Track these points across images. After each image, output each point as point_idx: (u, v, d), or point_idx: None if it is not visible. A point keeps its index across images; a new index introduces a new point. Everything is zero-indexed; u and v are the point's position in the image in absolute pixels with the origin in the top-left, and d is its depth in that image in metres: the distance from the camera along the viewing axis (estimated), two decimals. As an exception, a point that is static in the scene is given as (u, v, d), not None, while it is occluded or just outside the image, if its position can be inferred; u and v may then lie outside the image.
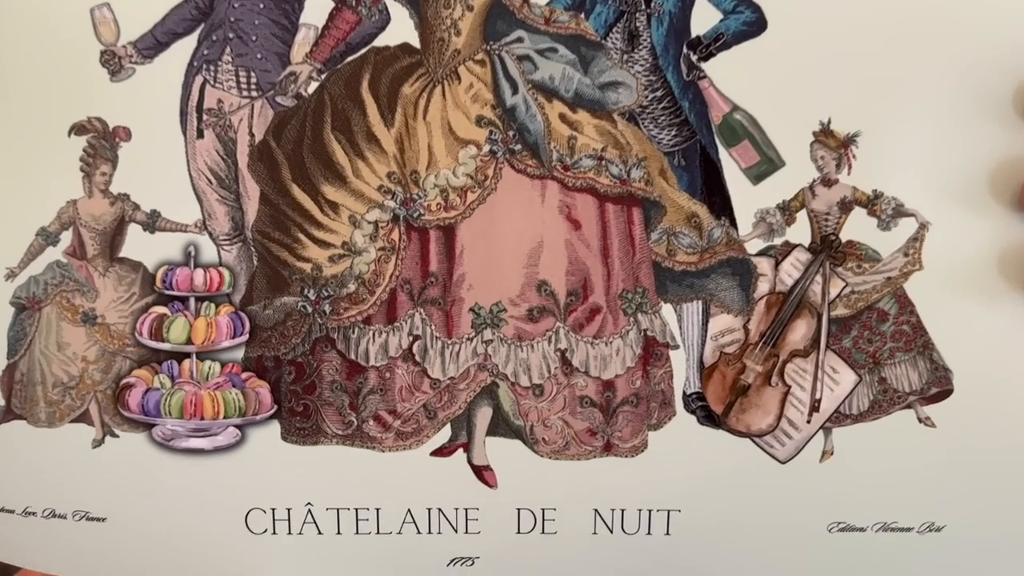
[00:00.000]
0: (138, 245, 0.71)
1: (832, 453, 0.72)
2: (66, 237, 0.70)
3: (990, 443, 0.72)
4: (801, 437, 0.71)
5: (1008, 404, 0.71)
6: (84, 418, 0.72)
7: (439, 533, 0.73)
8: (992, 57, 0.67)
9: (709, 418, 0.72)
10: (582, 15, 0.70)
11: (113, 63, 0.69)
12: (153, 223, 0.70)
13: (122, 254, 0.71)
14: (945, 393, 0.71)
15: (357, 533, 0.73)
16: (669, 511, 0.73)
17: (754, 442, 0.72)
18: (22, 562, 0.75)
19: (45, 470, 0.72)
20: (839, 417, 0.71)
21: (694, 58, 0.70)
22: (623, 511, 0.72)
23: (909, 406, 0.71)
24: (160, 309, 0.71)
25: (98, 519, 0.73)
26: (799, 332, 0.71)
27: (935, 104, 0.68)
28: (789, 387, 0.71)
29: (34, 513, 0.73)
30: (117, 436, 0.72)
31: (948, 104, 0.68)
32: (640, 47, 0.71)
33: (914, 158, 0.69)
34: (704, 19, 0.70)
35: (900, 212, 0.69)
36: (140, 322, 0.71)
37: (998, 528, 0.73)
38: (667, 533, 0.73)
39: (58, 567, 0.74)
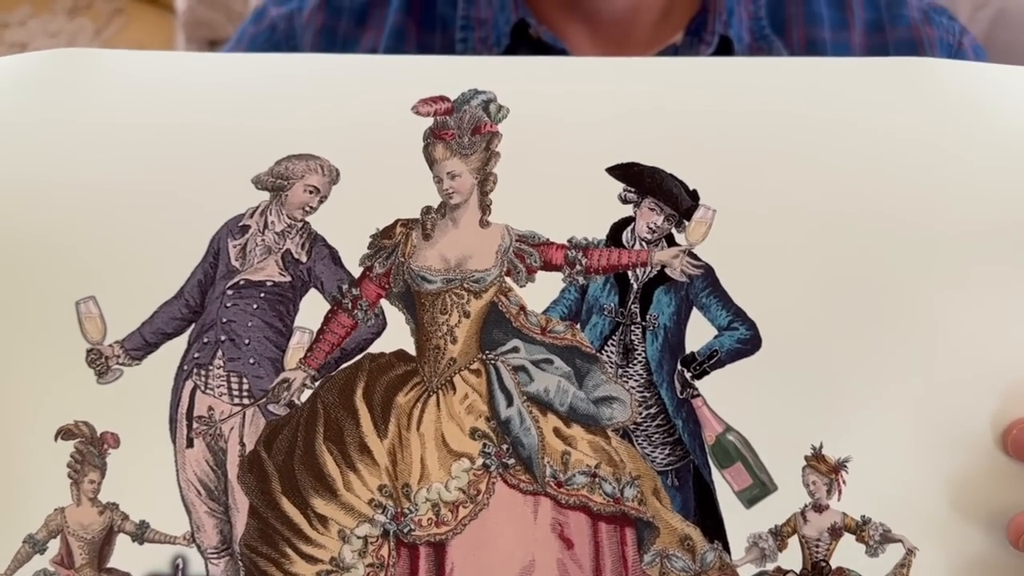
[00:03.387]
0: (126, 555, 0.70)
1: None
2: (54, 545, 0.70)
3: None
4: None
5: None
6: None
7: None
8: (969, 386, 0.69)
9: None
10: (578, 326, 0.71)
11: (100, 364, 0.69)
12: (142, 535, 0.69)
13: (110, 564, 0.70)
14: None
15: None
16: None
17: None
18: None
19: None
20: None
21: (688, 375, 0.70)
22: None
23: None
24: (145, 622, 0.70)
25: None
26: (791, 665, 0.71)
27: (925, 424, 0.69)
28: None
29: None
30: None
31: (937, 423, 0.69)
32: (634, 361, 0.71)
33: (902, 481, 0.70)
34: (699, 334, 0.70)
35: (888, 538, 0.70)
36: (124, 636, 0.69)
37: None
38: None
39: None
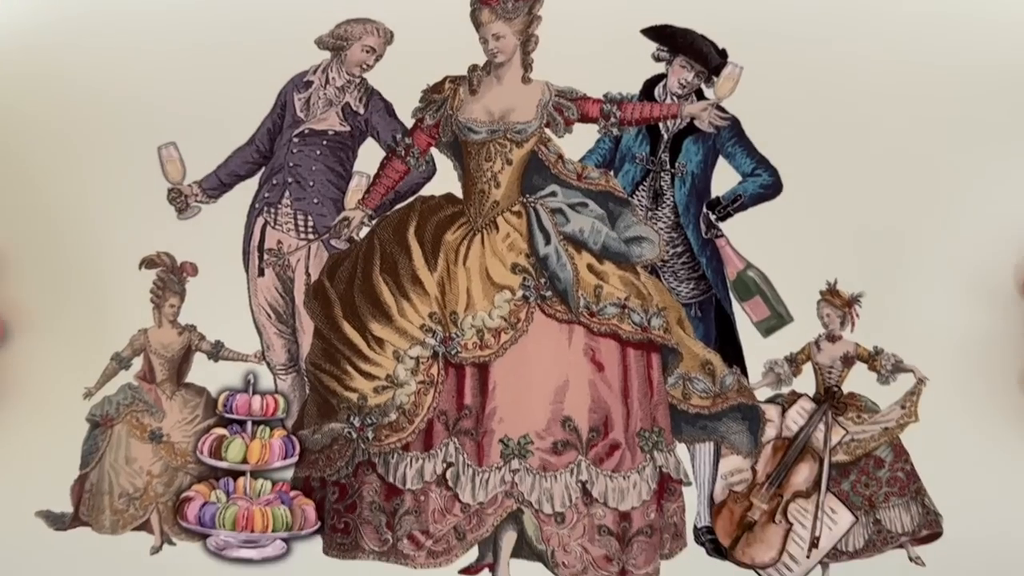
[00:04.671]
0: (203, 372, 0.78)
1: (830, 586, 0.77)
2: (137, 362, 0.78)
3: (978, 582, 0.77)
4: (800, 570, 0.77)
5: (995, 548, 0.76)
6: (145, 527, 0.78)
7: (465, 645, 0.79)
8: (991, 231, 0.74)
9: (717, 551, 0.78)
10: (611, 172, 0.77)
11: (180, 201, 0.76)
12: (217, 353, 0.77)
13: (188, 379, 0.78)
14: (935, 535, 0.76)
15: (390, 640, 0.79)
16: (678, 635, 0.78)
17: (758, 573, 0.77)
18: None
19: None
20: (836, 554, 0.77)
21: (713, 218, 0.77)
22: (638, 633, 0.78)
23: (901, 546, 0.77)
24: (220, 431, 0.78)
25: None
26: (802, 475, 0.77)
27: (937, 269, 0.74)
28: (791, 525, 0.77)
29: None
30: (174, 544, 0.78)
31: (949, 271, 0.75)
32: (663, 205, 0.77)
33: (916, 318, 0.75)
34: (724, 180, 0.77)
35: (899, 368, 0.75)
36: (201, 442, 0.78)
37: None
38: (676, 655, 0.78)
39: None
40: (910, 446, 0.77)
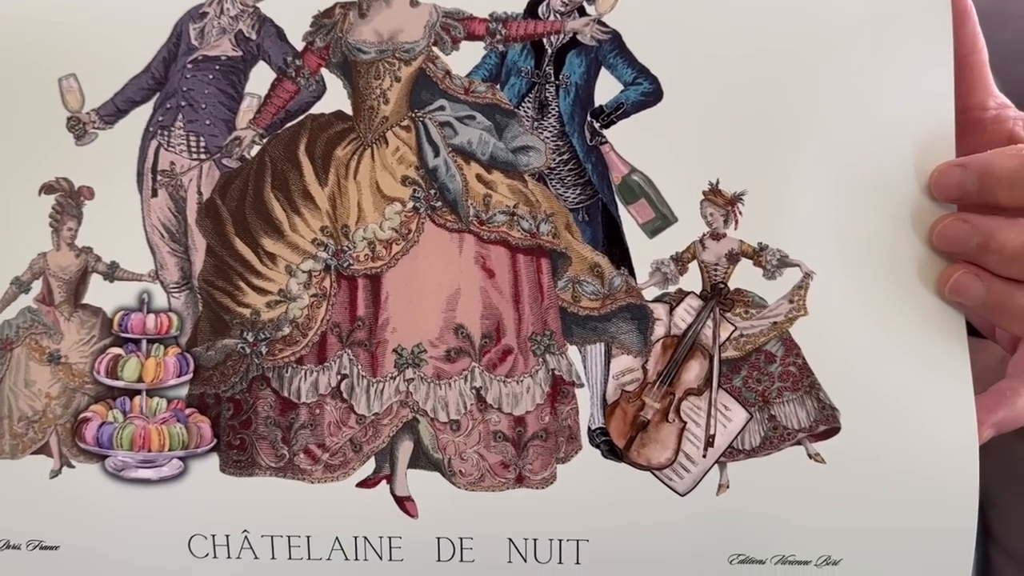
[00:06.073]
0: (99, 293, 0.79)
1: (728, 486, 0.77)
2: (36, 285, 0.78)
3: (879, 478, 0.76)
4: (698, 471, 0.77)
5: (895, 441, 0.76)
6: (44, 450, 0.79)
7: (365, 560, 0.78)
8: (882, 129, 0.76)
9: (613, 452, 0.77)
10: (498, 86, 0.79)
11: (78, 128, 0.78)
12: (112, 273, 0.78)
13: (85, 300, 0.79)
14: (833, 431, 0.76)
15: (290, 558, 0.78)
16: (579, 541, 0.78)
17: (655, 475, 0.77)
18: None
19: (4, 501, 0.79)
20: (733, 452, 0.77)
21: (597, 126, 0.78)
22: (535, 541, 0.78)
23: (799, 443, 0.76)
24: (116, 350, 0.78)
25: (51, 547, 0.79)
26: (692, 372, 0.77)
27: (821, 161, 0.75)
28: (685, 423, 0.77)
29: None
30: (73, 467, 0.78)
31: (832, 168, 0.76)
32: (549, 115, 0.79)
33: (800, 215, 0.76)
34: (606, 90, 0.78)
35: (785, 263, 0.76)
36: (98, 362, 0.78)
37: (893, 561, 0.77)
38: (577, 562, 0.78)
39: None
40: (800, 340, 0.77)
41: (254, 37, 0.79)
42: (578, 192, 0.79)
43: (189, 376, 0.79)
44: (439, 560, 0.78)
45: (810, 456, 0.76)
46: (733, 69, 0.77)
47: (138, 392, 0.79)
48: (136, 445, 0.78)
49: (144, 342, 0.79)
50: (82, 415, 0.78)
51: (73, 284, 0.79)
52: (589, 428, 0.78)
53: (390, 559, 0.78)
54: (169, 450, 0.77)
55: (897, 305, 0.76)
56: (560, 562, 0.78)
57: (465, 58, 0.80)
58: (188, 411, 0.78)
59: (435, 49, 0.79)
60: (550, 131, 0.79)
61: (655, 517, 0.77)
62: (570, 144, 0.78)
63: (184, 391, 0.79)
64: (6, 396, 0.79)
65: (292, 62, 0.79)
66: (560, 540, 0.77)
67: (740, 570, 0.77)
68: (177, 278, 0.79)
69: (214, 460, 0.78)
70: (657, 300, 0.77)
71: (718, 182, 0.76)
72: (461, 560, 0.78)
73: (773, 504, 0.77)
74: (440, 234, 0.78)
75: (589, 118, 0.78)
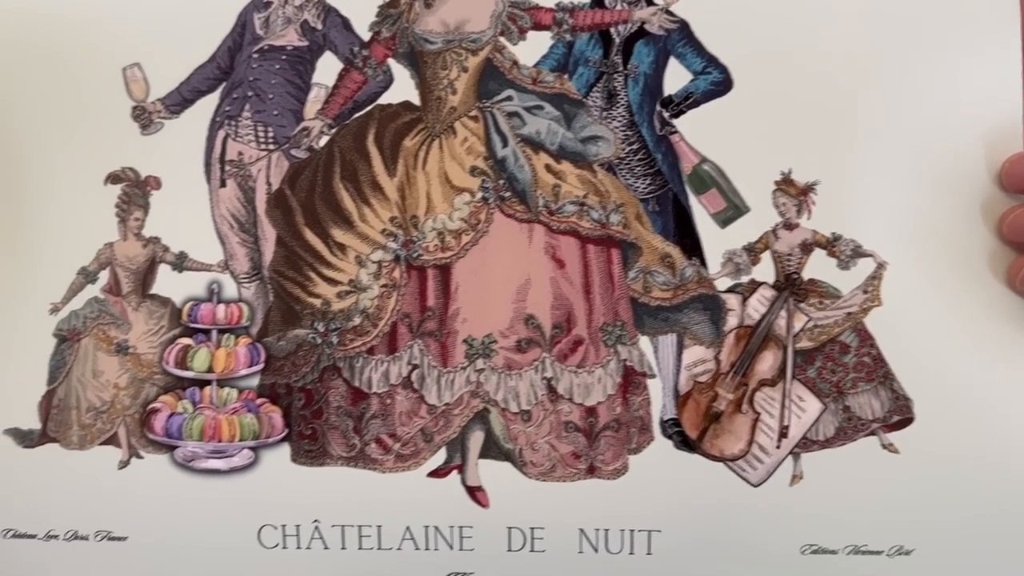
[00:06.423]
0: (167, 283, 0.78)
1: (801, 477, 0.77)
2: (103, 276, 0.78)
3: (952, 468, 0.76)
4: (771, 462, 0.77)
5: (968, 431, 0.75)
6: (112, 441, 0.78)
7: (436, 549, 0.78)
8: (953, 119, 0.75)
9: (685, 443, 0.77)
10: (566, 76, 0.79)
11: (143, 118, 0.78)
12: (181, 263, 0.78)
13: (153, 291, 0.78)
14: (907, 421, 0.76)
15: (360, 548, 0.78)
16: (650, 532, 0.77)
17: (727, 466, 0.77)
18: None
19: (73, 492, 0.79)
20: (807, 443, 0.76)
21: (666, 115, 0.77)
22: (607, 531, 0.77)
23: (873, 433, 0.76)
24: (185, 340, 0.78)
25: (119, 538, 0.79)
26: (766, 363, 0.77)
27: (893, 152, 0.75)
28: (759, 414, 0.77)
29: (56, 536, 0.79)
30: (142, 458, 0.78)
31: (906, 157, 0.75)
32: (617, 105, 0.78)
33: (874, 205, 0.76)
34: (676, 79, 0.78)
35: (858, 253, 0.76)
36: (167, 352, 0.78)
37: (966, 552, 0.76)
38: (648, 553, 0.77)
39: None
40: (875, 330, 0.76)
41: (320, 27, 0.79)
42: (648, 182, 0.78)
43: (260, 366, 0.78)
44: (509, 550, 0.78)
45: (884, 446, 0.76)
46: (803, 58, 0.76)
47: (208, 382, 0.78)
48: (206, 435, 0.77)
49: (214, 332, 0.78)
50: (151, 405, 0.78)
51: (141, 274, 0.78)
52: (661, 419, 0.78)
53: (460, 549, 0.78)
54: (240, 440, 0.77)
55: (968, 296, 0.75)
56: (631, 553, 0.77)
57: (532, 48, 0.79)
58: (259, 401, 0.78)
59: (502, 39, 0.79)
60: (619, 121, 0.78)
61: (727, 508, 0.77)
62: (639, 134, 0.78)
63: (255, 381, 0.79)
64: (74, 387, 0.79)
65: (359, 52, 0.79)
66: (632, 531, 0.77)
67: (811, 560, 0.77)
68: (247, 268, 0.79)
69: (285, 450, 0.78)
70: (729, 291, 0.77)
71: (790, 172, 0.76)
72: (532, 550, 0.78)
73: (846, 494, 0.77)
74: (509, 224, 0.77)
75: (659, 107, 0.78)
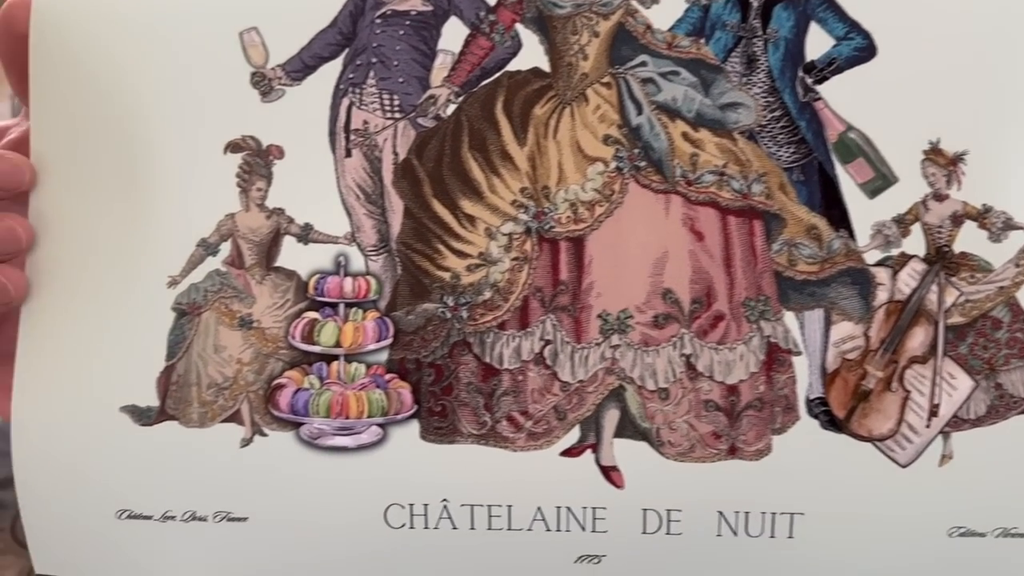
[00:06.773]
0: (292, 255, 0.76)
1: (951, 457, 0.74)
2: (225, 248, 0.76)
3: (1110, 449, 0.73)
4: (921, 441, 0.74)
5: None
6: (234, 418, 0.76)
7: (567, 531, 0.75)
8: None
9: (831, 423, 0.74)
10: (702, 40, 0.75)
11: (263, 84, 0.75)
12: (306, 235, 0.75)
13: (277, 263, 0.76)
14: (1063, 400, 0.73)
15: (490, 529, 0.75)
16: (792, 515, 0.75)
17: (875, 446, 0.74)
18: (160, 569, 0.78)
19: (192, 471, 0.76)
20: (957, 422, 0.73)
21: (809, 81, 0.74)
22: (747, 514, 0.75)
23: (1026, 411, 0.73)
24: (312, 314, 0.76)
25: (240, 519, 0.77)
26: (917, 339, 0.74)
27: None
28: (909, 392, 0.74)
29: (173, 517, 0.77)
30: (266, 435, 0.76)
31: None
32: (757, 70, 0.75)
33: (1022, 174, 0.72)
34: (818, 44, 0.75)
35: (1010, 225, 0.73)
36: (293, 326, 0.76)
37: (1121, 536, 0.74)
38: (790, 536, 0.75)
39: (198, 570, 0.78)
40: (1028, 305, 0.73)
41: (445, -10, 0.76)
42: (792, 151, 0.75)
43: (389, 341, 0.76)
44: (644, 532, 0.75)
45: (1036, 426, 0.73)
46: (950, 21, 0.73)
47: (335, 357, 0.76)
48: (333, 412, 0.75)
49: (342, 306, 0.76)
50: (276, 381, 0.76)
51: (264, 246, 0.76)
52: (807, 398, 0.75)
53: (593, 530, 0.75)
54: (368, 417, 0.75)
55: None
56: (772, 536, 0.75)
57: (666, 12, 0.76)
58: (388, 377, 0.76)
59: (634, 2, 0.76)
60: (760, 87, 0.75)
61: (874, 490, 0.74)
62: (781, 100, 0.75)
63: (384, 356, 0.76)
64: (194, 362, 0.76)
65: (485, 17, 0.76)
66: (773, 514, 0.75)
67: (959, 543, 0.74)
68: (375, 241, 0.76)
69: (414, 427, 0.76)
70: (879, 264, 0.74)
71: (939, 141, 0.72)
72: (668, 533, 0.75)
73: (997, 475, 0.74)
74: (645, 195, 0.75)
75: (801, 73, 0.74)
